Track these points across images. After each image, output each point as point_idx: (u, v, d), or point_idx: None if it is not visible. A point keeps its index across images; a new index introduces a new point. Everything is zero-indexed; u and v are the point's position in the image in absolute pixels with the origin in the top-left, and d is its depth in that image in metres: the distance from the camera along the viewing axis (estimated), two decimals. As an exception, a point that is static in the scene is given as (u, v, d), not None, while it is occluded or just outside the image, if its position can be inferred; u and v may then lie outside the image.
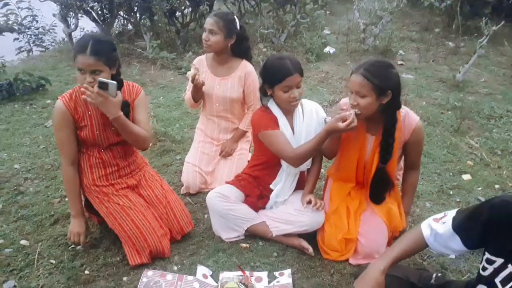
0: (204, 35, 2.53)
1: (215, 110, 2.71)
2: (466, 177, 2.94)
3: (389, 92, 1.85)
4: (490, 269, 1.30)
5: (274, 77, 2.01)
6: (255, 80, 2.66)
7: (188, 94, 2.68)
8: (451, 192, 2.75)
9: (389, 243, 2.11)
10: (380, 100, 1.86)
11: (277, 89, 2.03)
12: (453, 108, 4.06)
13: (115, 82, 1.84)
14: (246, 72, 2.63)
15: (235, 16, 2.59)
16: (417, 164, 2.17)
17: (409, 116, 2.00)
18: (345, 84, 1.98)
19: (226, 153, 2.73)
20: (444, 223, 1.44)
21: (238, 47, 2.61)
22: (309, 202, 2.10)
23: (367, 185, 2.13)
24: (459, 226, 1.40)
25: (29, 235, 2.23)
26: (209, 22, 2.50)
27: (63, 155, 2.02)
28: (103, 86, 1.81)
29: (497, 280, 1.28)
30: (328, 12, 7.17)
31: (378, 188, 2.09)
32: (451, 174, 2.99)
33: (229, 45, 2.56)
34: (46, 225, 2.31)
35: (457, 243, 1.40)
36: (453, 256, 2.09)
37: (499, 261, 1.27)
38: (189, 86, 2.66)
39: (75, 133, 2.00)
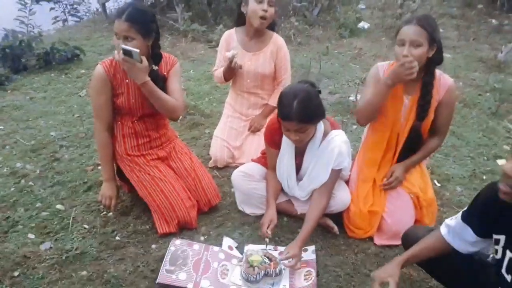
0: (263, 6, 2.40)
1: (246, 86, 2.69)
2: (502, 162, 2.84)
3: (435, 44, 1.88)
4: (499, 249, 1.33)
5: (278, 110, 1.85)
6: (287, 55, 2.63)
7: (219, 71, 2.64)
8: (484, 177, 2.67)
9: (417, 220, 2.11)
10: (429, 53, 1.88)
11: (281, 121, 1.87)
12: (492, 90, 3.89)
13: (137, 50, 1.83)
14: (278, 46, 2.59)
15: None
16: (443, 131, 2.11)
17: (443, 76, 2.02)
18: (396, 41, 1.90)
19: (255, 129, 2.73)
20: (456, 217, 1.48)
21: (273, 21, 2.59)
22: (287, 258, 1.83)
23: (397, 150, 2.12)
24: (465, 216, 1.44)
25: (64, 200, 2.33)
26: None
27: (99, 120, 2.06)
28: (126, 53, 1.82)
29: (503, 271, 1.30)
30: (364, -15, 6.92)
31: (409, 146, 2.10)
32: (485, 158, 2.89)
33: None
34: (80, 191, 2.40)
35: (469, 234, 1.42)
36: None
37: (502, 238, 1.31)
38: (219, 62, 2.65)
39: (112, 99, 2.04)
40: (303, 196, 2.12)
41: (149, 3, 6.43)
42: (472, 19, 6.13)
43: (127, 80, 2.02)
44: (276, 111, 2.72)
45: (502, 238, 1.31)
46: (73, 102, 3.54)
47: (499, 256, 1.33)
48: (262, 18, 2.44)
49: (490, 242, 1.40)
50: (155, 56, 2.04)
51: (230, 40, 2.67)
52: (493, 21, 6.03)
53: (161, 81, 2.04)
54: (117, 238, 2.08)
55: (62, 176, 2.54)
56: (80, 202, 2.31)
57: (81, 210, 2.25)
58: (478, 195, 1.40)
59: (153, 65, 2.02)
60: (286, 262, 1.84)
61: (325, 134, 1.97)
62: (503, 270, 1.31)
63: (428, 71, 1.95)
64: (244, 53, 2.62)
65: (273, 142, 2.08)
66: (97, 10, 6.63)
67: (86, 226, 2.13)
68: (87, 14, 6.77)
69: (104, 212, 2.22)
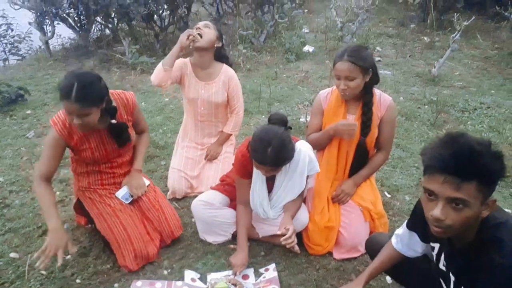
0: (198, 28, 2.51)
1: (200, 114, 2.74)
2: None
3: (370, 70, 2.04)
4: (434, 256, 1.44)
5: (251, 153, 1.92)
6: (238, 84, 2.72)
7: (159, 65, 2.52)
8: (429, 185, 2.85)
9: (371, 231, 2.21)
10: (365, 79, 2.04)
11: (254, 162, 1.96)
12: (430, 103, 4.19)
13: (130, 199, 2.19)
14: (229, 77, 2.68)
15: None
16: (387, 146, 2.27)
17: (383, 95, 2.20)
18: (332, 73, 2.07)
19: (211, 157, 2.77)
20: (403, 226, 1.59)
21: (220, 52, 2.67)
22: (286, 230, 1.99)
23: (347, 166, 2.26)
24: (410, 223, 1.55)
25: (18, 247, 2.24)
26: (201, 23, 2.54)
27: (40, 168, 2.01)
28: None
29: (441, 265, 1.40)
30: (306, 11, 7.26)
31: (358, 163, 2.25)
32: (429, 167, 3.09)
33: (215, 46, 2.60)
34: (34, 237, 2.32)
35: (416, 240, 1.53)
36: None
37: (437, 246, 1.41)
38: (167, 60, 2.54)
39: (62, 155, 2.04)
40: (277, 213, 2.18)
41: (94, 37, 6.40)
42: (407, 38, 6.57)
43: (86, 136, 2.02)
44: (229, 138, 2.82)
45: (436, 246, 1.42)
46: (20, 145, 3.41)
47: (435, 260, 1.45)
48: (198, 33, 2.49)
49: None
50: (109, 111, 2.01)
51: (185, 68, 2.68)
52: (425, 38, 6.50)
53: (124, 131, 2.10)
54: (77, 281, 2.02)
55: (13, 223, 2.43)
56: (35, 248, 2.22)
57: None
58: (417, 204, 1.49)
59: (112, 120, 2.03)
60: (285, 236, 1.97)
61: None
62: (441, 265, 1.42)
63: (367, 91, 2.11)
64: (198, 81, 2.68)
65: (245, 173, 2.11)
66: (40, 47, 6.47)
67: (44, 272, 2.06)
68: (29, 52, 6.59)
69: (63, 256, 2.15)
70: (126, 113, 2.13)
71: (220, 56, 2.70)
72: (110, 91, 2.04)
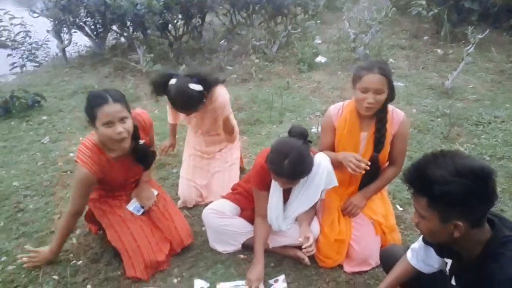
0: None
1: (199, 132, 2.80)
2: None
3: (391, 85, 2.01)
4: (448, 271, 1.44)
5: (269, 164, 1.91)
6: (222, 105, 2.54)
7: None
8: (441, 199, 2.82)
9: (382, 245, 2.19)
10: (387, 94, 2.01)
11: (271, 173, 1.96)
12: (443, 115, 4.15)
13: (139, 209, 2.22)
14: (214, 101, 2.53)
15: (192, 88, 2.34)
16: (399, 161, 2.23)
17: (396, 111, 2.16)
18: (357, 86, 2.00)
19: None
20: (419, 240, 1.58)
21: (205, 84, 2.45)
22: (307, 238, 2.02)
23: (358, 180, 2.24)
24: (425, 238, 1.52)
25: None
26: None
27: (72, 204, 2.05)
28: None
29: (453, 281, 1.41)
30: (319, 22, 7.29)
31: (369, 177, 2.21)
32: (441, 180, 3.06)
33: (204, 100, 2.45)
34: (47, 242, 2.34)
35: (433, 255, 1.52)
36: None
37: (449, 262, 1.42)
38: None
39: (92, 190, 2.09)
40: (289, 224, 2.17)
41: (110, 45, 6.51)
42: (420, 49, 6.55)
43: (112, 167, 2.04)
44: (233, 144, 2.80)
45: (449, 262, 1.42)
46: (36, 150, 3.48)
47: (448, 274, 1.45)
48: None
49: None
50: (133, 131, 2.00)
51: None
52: (439, 51, 6.46)
53: (149, 153, 2.14)
54: (88, 286, 2.04)
55: (27, 227, 2.47)
56: (47, 253, 2.26)
57: (49, 260, 2.20)
58: None
59: (140, 141, 2.06)
60: (307, 244, 1.99)
61: None
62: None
63: (382, 108, 2.07)
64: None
65: (264, 185, 2.08)
66: (57, 54, 6.61)
67: (56, 277, 2.08)
68: (46, 59, 6.73)
69: (74, 261, 2.18)
70: (144, 133, 2.13)
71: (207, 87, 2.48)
72: None
